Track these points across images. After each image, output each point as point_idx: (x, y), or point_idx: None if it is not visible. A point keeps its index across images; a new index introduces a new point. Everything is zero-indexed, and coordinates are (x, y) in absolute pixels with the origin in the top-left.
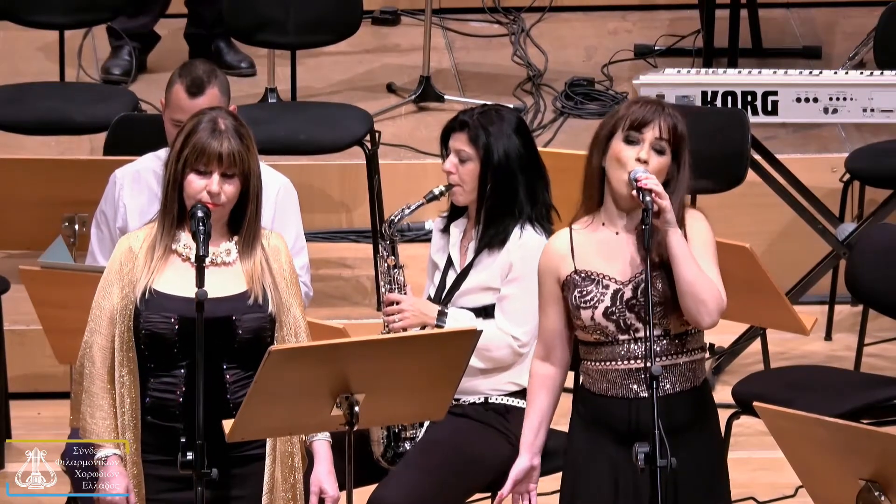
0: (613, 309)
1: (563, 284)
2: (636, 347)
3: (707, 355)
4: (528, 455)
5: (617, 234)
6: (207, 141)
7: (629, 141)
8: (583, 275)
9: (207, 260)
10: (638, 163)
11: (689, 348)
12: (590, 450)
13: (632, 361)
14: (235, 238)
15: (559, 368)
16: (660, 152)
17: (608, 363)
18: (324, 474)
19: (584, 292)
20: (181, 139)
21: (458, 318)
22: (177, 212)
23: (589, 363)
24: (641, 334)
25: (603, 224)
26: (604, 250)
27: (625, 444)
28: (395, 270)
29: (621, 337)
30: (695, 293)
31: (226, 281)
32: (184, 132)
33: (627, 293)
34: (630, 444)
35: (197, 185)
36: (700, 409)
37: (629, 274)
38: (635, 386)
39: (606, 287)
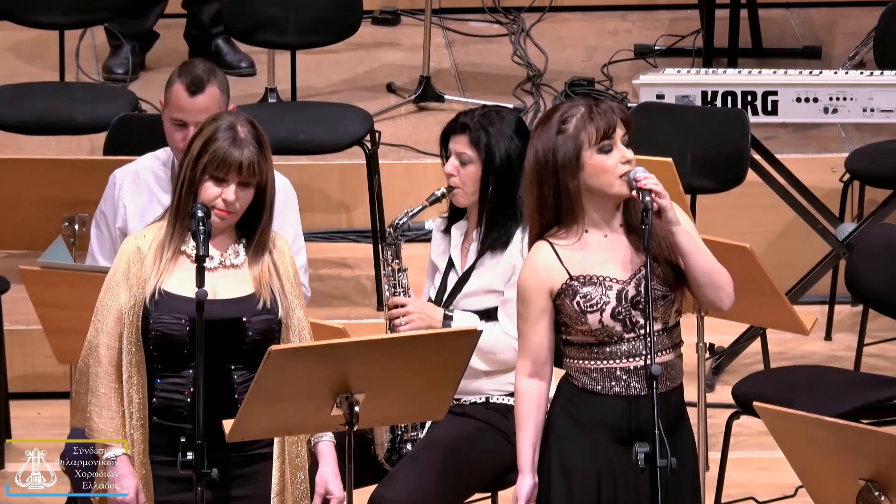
0: (620, 309)
1: (559, 294)
2: (639, 345)
3: (707, 355)
4: (531, 475)
5: (606, 236)
6: (228, 150)
7: (603, 150)
8: (581, 280)
9: (216, 262)
10: (626, 165)
11: (677, 341)
12: (585, 451)
13: (634, 359)
14: (244, 241)
15: (547, 383)
16: (627, 145)
17: (610, 362)
18: (329, 475)
19: (588, 296)
20: (199, 144)
21: (464, 321)
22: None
23: (585, 363)
24: (645, 331)
25: (587, 231)
26: (597, 254)
27: (626, 443)
28: (400, 274)
29: (627, 335)
30: (714, 282)
31: (234, 283)
32: (202, 137)
33: (631, 291)
34: (631, 444)
35: (212, 192)
36: (683, 406)
37: (628, 272)
38: (641, 384)
39: (609, 288)
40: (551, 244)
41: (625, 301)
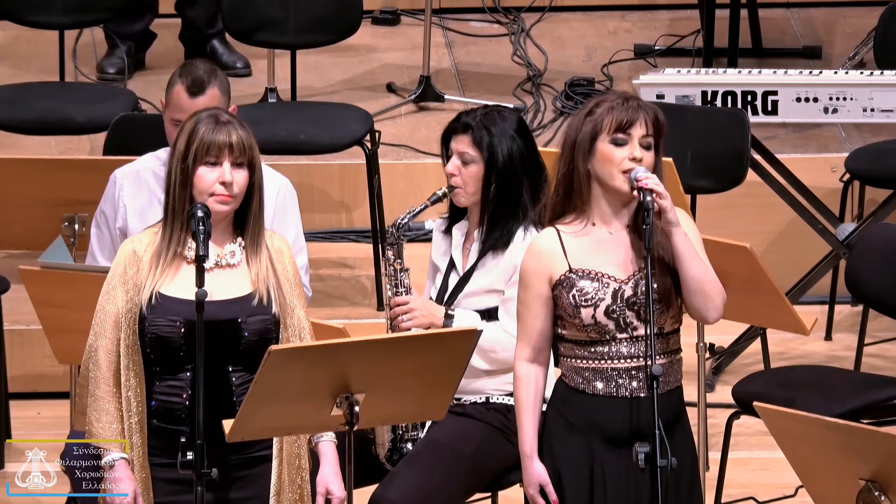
0: (614, 307)
1: (556, 284)
2: (632, 346)
3: (707, 355)
4: (539, 460)
5: (611, 233)
6: (214, 134)
7: (616, 143)
8: (580, 273)
9: (213, 262)
10: (632, 162)
11: (673, 348)
12: (577, 453)
13: (628, 360)
14: (239, 239)
15: (545, 369)
16: (647, 148)
17: (602, 361)
18: (330, 475)
19: (584, 291)
20: (184, 139)
21: (465, 320)
22: (186, 214)
23: (578, 361)
24: (639, 333)
25: (594, 224)
26: (599, 249)
27: (617, 444)
28: (402, 274)
29: (619, 336)
30: (703, 290)
31: (231, 283)
32: (185, 132)
33: (628, 291)
34: (623, 445)
35: (209, 178)
36: (679, 410)
37: (628, 272)
38: (632, 385)
39: (607, 285)
40: (557, 231)
41: (620, 300)
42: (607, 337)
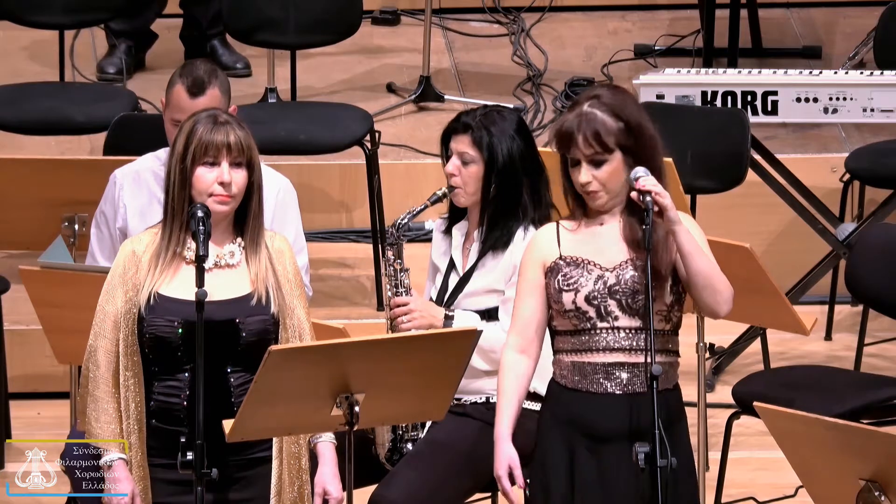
0: (595, 293)
1: (548, 270)
2: (613, 338)
3: (707, 355)
4: (511, 443)
5: (602, 224)
6: (213, 134)
7: (573, 163)
8: (568, 260)
9: (212, 262)
10: (584, 186)
11: (663, 348)
12: (561, 449)
13: (608, 354)
14: (239, 239)
15: (533, 362)
16: (598, 164)
17: (585, 355)
18: (328, 476)
19: (568, 275)
20: (183, 139)
21: (465, 321)
22: (186, 214)
23: (565, 356)
24: (620, 323)
25: (586, 217)
26: (590, 240)
27: (601, 442)
28: (402, 274)
29: (600, 324)
30: (711, 284)
31: (230, 283)
32: (183, 133)
33: (611, 279)
34: (606, 443)
35: (207, 178)
36: (677, 412)
37: (614, 262)
38: (608, 381)
39: (590, 272)
40: (557, 224)
41: (602, 287)
42: (588, 325)
